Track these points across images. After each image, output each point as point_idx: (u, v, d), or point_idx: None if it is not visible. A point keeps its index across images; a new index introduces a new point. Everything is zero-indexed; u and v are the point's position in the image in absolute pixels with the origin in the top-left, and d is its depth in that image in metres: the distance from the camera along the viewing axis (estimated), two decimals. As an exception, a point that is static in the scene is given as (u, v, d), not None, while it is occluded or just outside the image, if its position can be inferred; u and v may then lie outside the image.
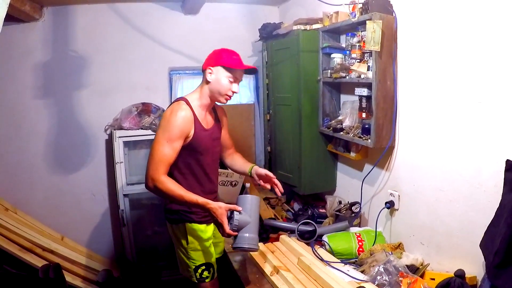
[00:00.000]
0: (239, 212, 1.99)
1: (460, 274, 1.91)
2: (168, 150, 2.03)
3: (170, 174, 2.10)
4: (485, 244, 1.75)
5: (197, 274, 2.28)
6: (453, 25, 2.02)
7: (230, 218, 2.00)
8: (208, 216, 2.21)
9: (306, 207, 3.25)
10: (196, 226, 2.26)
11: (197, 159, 2.22)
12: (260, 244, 2.60)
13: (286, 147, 3.32)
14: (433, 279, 2.10)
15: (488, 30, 1.83)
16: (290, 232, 2.84)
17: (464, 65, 1.97)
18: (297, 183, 3.19)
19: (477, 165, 1.95)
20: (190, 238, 2.25)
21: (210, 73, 2.18)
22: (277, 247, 2.62)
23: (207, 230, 2.32)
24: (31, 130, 3.59)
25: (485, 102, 1.88)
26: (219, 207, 1.97)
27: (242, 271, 2.43)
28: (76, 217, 3.78)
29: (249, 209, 2.04)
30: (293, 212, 3.33)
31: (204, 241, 2.29)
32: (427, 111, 2.24)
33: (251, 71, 2.28)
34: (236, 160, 2.56)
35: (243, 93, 4.18)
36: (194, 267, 2.27)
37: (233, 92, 2.22)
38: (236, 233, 1.99)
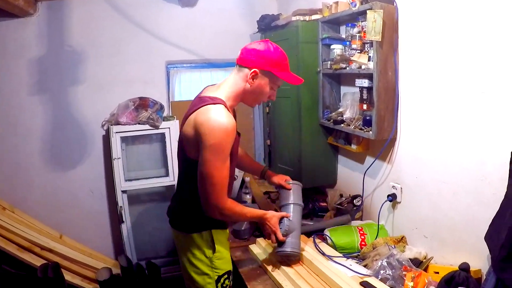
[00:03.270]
0: (289, 218, 2.16)
1: (464, 268, 1.87)
2: (225, 171, 1.79)
3: (194, 184, 1.86)
4: (490, 237, 1.72)
5: (219, 285, 2.03)
6: (455, 14, 1.97)
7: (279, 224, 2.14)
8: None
9: (307, 200, 3.22)
10: (222, 231, 2.06)
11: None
12: (261, 239, 2.58)
13: (286, 140, 3.29)
14: (437, 272, 2.08)
15: (491, 19, 1.79)
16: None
17: (466, 54, 1.93)
18: (298, 177, 3.15)
19: (481, 157, 1.91)
20: (217, 246, 2.00)
21: (254, 76, 1.87)
22: (278, 242, 2.58)
23: (227, 235, 2.15)
24: (26, 127, 3.55)
25: (488, 92, 1.84)
26: (274, 216, 2.09)
27: (243, 267, 2.39)
28: (74, 215, 3.75)
29: (293, 215, 2.20)
30: (294, 206, 3.29)
31: (227, 247, 2.12)
32: (429, 102, 2.20)
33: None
34: (243, 157, 2.45)
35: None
36: (217, 277, 2.02)
37: (271, 100, 2.04)
38: (285, 238, 2.11)
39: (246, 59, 1.88)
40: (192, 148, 1.83)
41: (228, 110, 1.82)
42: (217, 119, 1.72)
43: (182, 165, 2.01)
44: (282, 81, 1.95)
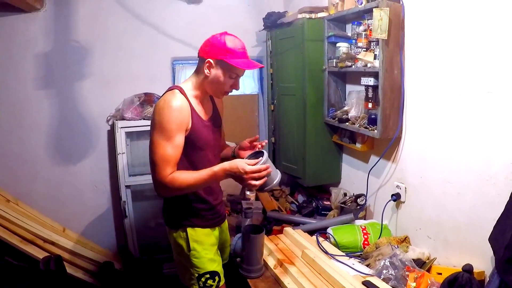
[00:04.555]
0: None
1: (468, 269, 1.86)
2: (170, 150, 1.78)
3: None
4: (495, 238, 1.71)
5: (200, 283, 2.02)
6: (461, 13, 1.96)
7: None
8: (214, 220, 2.13)
9: (310, 199, 3.22)
10: (200, 230, 2.05)
11: (198, 155, 1.96)
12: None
13: (291, 138, 3.28)
14: (440, 273, 2.07)
15: (497, 18, 1.77)
16: (294, 224, 2.81)
17: (473, 54, 1.92)
18: (302, 175, 3.15)
19: (486, 157, 1.90)
20: (192, 244, 2.01)
21: (209, 66, 1.88)
22: (281, 240, 2.58)
23: (211, 235, 2.11)
24: (32, 121, 3.55)
25: (495, 92, 1.83)
26: (239, 161, 1.78)
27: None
28: (78, 209, 3.75)
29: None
30: (297, 204, 3.29)
31: (208, 247, 2.08)
32: (435, 101, 2.19)
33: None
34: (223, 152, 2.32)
35: (247, 83, 4.11)
36: (197, 275, 2.02)
37: (234, 89, 1.99)
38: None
39: (202, 50, 1.94)
40: None
41: (183, 95, 1.87)
42: (165, 100, 1.81)
43: None
44: (241, 70, 1.90)
